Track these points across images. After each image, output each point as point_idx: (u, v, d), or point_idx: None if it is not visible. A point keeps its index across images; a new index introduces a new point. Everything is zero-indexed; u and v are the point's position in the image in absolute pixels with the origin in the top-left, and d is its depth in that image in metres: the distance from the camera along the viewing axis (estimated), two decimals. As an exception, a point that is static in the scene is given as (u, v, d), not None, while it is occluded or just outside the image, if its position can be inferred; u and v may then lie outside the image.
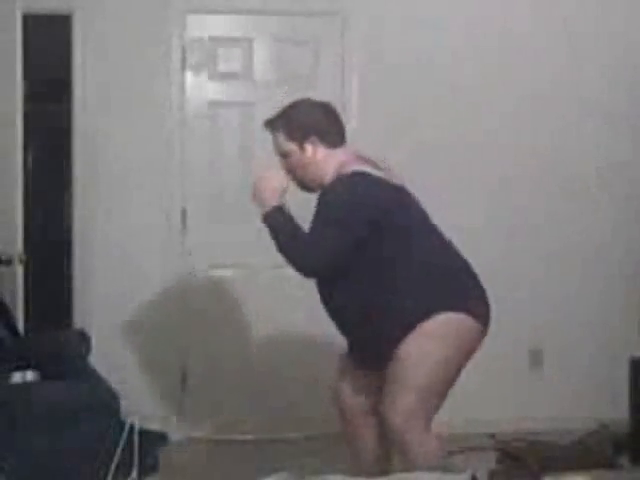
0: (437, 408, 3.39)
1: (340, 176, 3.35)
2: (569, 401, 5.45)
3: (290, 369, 5.33)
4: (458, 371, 3.42)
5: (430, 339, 3.31)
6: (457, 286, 3.39)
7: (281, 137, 3.46)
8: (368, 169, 3.38)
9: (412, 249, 3.36)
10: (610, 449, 4.75)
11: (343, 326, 3.51)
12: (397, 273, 3.34)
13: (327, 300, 3.50)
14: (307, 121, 3.44)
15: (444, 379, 3.36)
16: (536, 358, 5.52)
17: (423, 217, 3.47)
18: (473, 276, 3.47)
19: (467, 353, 3.41)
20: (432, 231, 3.46)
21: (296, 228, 3.39)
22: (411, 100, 5.40)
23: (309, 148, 3.42)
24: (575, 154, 5.51)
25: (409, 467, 3.29)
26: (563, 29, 5.49)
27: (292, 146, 3.44)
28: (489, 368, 5.32)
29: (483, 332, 3.43)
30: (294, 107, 3.50)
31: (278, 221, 3.40)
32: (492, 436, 4.95)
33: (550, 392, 5.46)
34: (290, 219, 3.41)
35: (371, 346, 3.44)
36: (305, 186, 3.53)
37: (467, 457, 4.64)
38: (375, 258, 3.34)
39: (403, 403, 3.30)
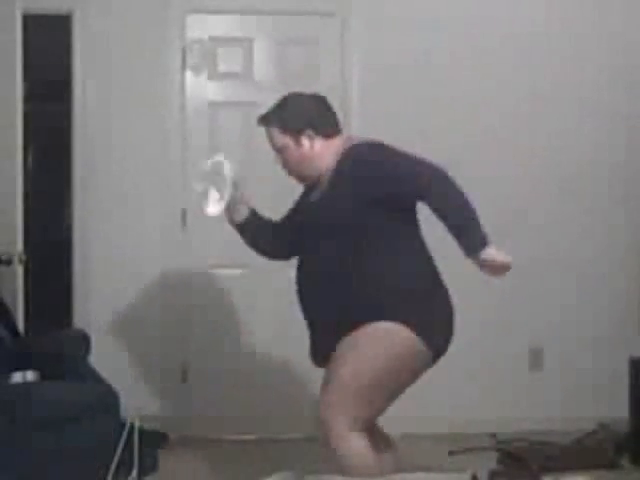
0: (368, 411, 3.31)
1: (354, 145, 3.35)
2: (569, 401, 5.45)
3: (290, 369, 5.33)
4: (395, 382, 3.32)
5: (365, 339, 3.27)
6: (418, 303, 3.32)
7: (276, 132, 3.45)
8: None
9: (401, 245, 3.33)
10: (610, 449, 4.75)
11: (311, 307, 3.49)
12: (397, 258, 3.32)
13: (307, 267, 3.45)
14: (301, 114, 3.43)
15: (372, 382, 3.26)
16: (536, 358, 5.52)
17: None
18: (439, 296, 3.42)
19: (406, 367, 3.31)
20: (416, 236, 3.45)
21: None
22: (410, 100, 5.40)
23: (305, 142, 3.42)
24: (575, 154, 5.51)
25: (341, 469, 3.26)
26: (562, 30, 5.49)
27: (287, 140, 3.43)
28: (489, 368, 5.34)
29: (428, 355, 3.32)
30: (286, 101, 3.50)
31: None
32: (492, 436, 4.95)
33: (550, 392, 5.46)
34: (263, 220, 3.63)
35: (329, 339, 3.41)
36: (303, 178, 3.53)
37: (467, 457, 4.65)
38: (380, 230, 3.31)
39: (327, 397, 3.29)
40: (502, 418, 5.24)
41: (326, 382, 3.36)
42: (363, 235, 3.30)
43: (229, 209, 3.57)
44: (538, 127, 5.50)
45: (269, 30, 5.43)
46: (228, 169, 3.54)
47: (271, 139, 3.48)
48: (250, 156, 5.35)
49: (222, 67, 5.39)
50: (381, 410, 3.36)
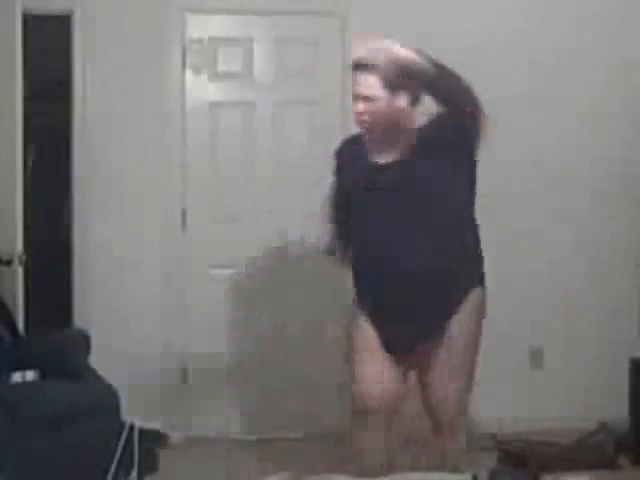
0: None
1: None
2: (569, 401, 5.45)
3: (290, 369, 5.33)
4: None
5: (473, 315, 3.45)
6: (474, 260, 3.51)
7: (374, 80, 3.32)
8: None
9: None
10: (610, 449, 4.76)
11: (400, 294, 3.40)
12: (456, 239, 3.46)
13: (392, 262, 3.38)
14: (415, 76, 3.36)
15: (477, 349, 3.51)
16: (536, 358, 5.52)
17: None
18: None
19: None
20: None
21: None
22: (411, 100, 5.40)
23: (402, 99, 3.35)
24: (576, 155, 5.51)
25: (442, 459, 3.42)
26: (562, 29, 5.49)
27: (383, 93, 3.33)
28: (489, 368, 5.32)
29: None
30: (403, 62, 3.35)
31: None
32: (492, 436, 4.95)
33: (550, 392, 5.46)
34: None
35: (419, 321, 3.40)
36: (375, 131, 3.43)
37: (467, 457, 4.64)
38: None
39: (460, 381, 3.45)
40: (502, 418, 5.24)
41: (446, 366, 3.43)
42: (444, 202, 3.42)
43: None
44: (539, 127, 5.50)
45: (269, 30, 5.43)
46: None
47: (363, 87, 3.35)
48: (250, 156, 5.36)
49: (222, 67, 5.39)
50: None
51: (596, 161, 5.53)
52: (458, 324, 3.38)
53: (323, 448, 5.00)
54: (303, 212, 5.07)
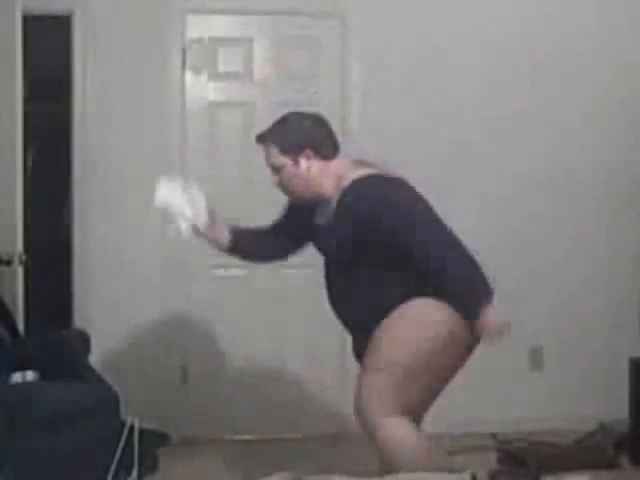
0: (417, 395, 3.28)
1: (357, 180, 3.34)
2: (569, 401, 5.45)
3: (290, 369, 5.33)
4: (443, 360, 3.30)
5: (401, 320, 3.28)
6: (447, 278, 3.28)
7: (274, 151, 3.45)
8: (373, 171, 3.38)
9: (410, 243, 3.30)
10: (610, 449, 4.76)
11: (344, 321, 3.51)
12: (386, 264, 3.32)
13: (330, 293, 3.51)
14: (300, 135, 3.43)
15: (418, 362, 3.25)
16: (536, 358, 5.52)
17: (427, 210, 3.42)
18: (474, 273, 3.37)
19: (450, 343, 3.30)
20: (434, 223, 3.39)
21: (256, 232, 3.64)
22: (411, 100, 5.40)
23: (303, 162, 3.42)
24: (577, 157, 5.51)
25: (384, 458, 3.23)
26: (563, 30, 5.49)
27: (285, 160, 3.43)
28: (489, 368, 5.33)
29: (471, 327, 3.32)
30: (286, 121, 3.49)
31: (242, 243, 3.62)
32: (492, 436, 4.95)
33: (550, 392, 5.46)
34: (246, 232, 3.67)
35: (360, 337, 3.43)
36: (298, 198, 3.53)
37: (467, 457, 4.65)
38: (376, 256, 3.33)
39: (369, 382, 3.25)
40: (502, 418, 5.24)
41: (363, 365, 3.35)
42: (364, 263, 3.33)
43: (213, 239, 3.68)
44: (540, 128, 5.50)
45: (269, 30, 5.43)
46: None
47: (268, 158, 3.48)
48: (250, 156, 5.35)
49: (222, 67, 5.39)
50: (426, 396, 3.33)
51: (597, 163, 5.53)
52: (378, 330, 3.31)
53: (323, 448, 5.00)
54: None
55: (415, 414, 3.31)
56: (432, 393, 3.36)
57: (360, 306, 3.39)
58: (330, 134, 3.49)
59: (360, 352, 3.45)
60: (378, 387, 3.24)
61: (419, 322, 3.29)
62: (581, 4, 5.51)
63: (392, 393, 3.22)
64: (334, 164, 3.44)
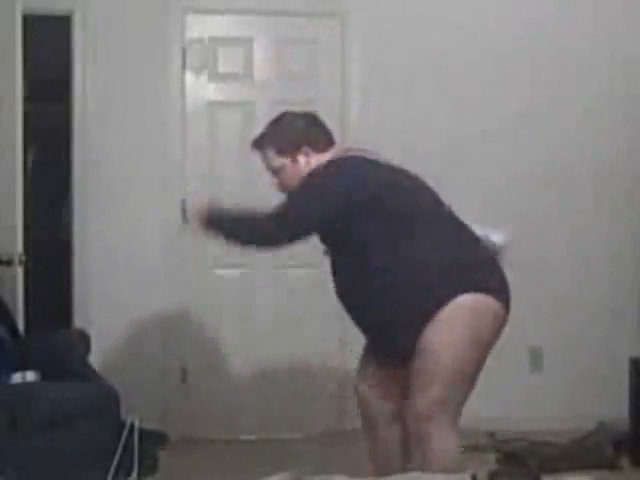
0: (468, 393, 3.34)
1: (330, 160, 3.37)
2: (569, 401, 5.45)
3: (290, 369, 5.33)
4: (485, 350, 3.34)
5: (448, 325, 3.23)
6: (466, 269, 3.30)
7: (271, 154, 3.45)
8: (361, 154, 3.39)
9: (416, 235, 3.29)
10: (610, 449, 4.76)
11: (357, 320, 3.43)
12: (402, 261, 3.27)
13: (338, 290, 3.45)
14: (295, 133, 3.44)
15: (470, 361, 3.29)
16: (536, 358, 5.52)
17: (431, 200, 3.41)
18: (487, 260, 3.43)
19: (490, 331, 3.33)
20: (441, 215, 3.39)
21: (240, 214, 3.48)
22: (411, 100, 5.40)
23: (302, 159, 3.42)
24: (576, 155, 5.51)
25: (425, 463, 3.23)
26: (563, 30, 5.50)
27: (284, 161, 3.43)
28: (489, 368, 5.32)
29: (502, 308, 3.38)
30: (279, 122, 3.50)
31: (220, 222, 3.48)
32: (492, 436, 4.95)
33: (550, 392, 5.46)
34: (228, 212, 3.50)
35: (388, 341, 3.37)
36: None
37: (467, 457, 4.64)
38: (370, 242, 3.28)
39: (432, 393, 3.22)
40: (502, 418, 5.24)
41: (418, 375, 3.27)
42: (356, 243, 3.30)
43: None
44: (540, 127, 5.50)
45: (269, 30, 5.43)
46: None
47: (267, 162, 3.48)
48: (250, 156, 5.35)
49: (222, 67, 5.39)
50: (468, 396, 3.36)
51: (597, 160, 5.53)
52: (425, 338, 3.26)
53: (323, 448, 5.00)
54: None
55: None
56: (473, 387, 3.40)
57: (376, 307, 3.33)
58: (323, 128, 3.50)
59: (387, 360, 3.43)
60: (442, 397, 3.24)
61: (463, 321, 3.26)
62: (579, 3, 5.52)
63: (454, 402, 3.27)
64: (328, 155, 3.43)
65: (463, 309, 3.26)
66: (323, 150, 3.44)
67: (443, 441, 3.25)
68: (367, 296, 3.32)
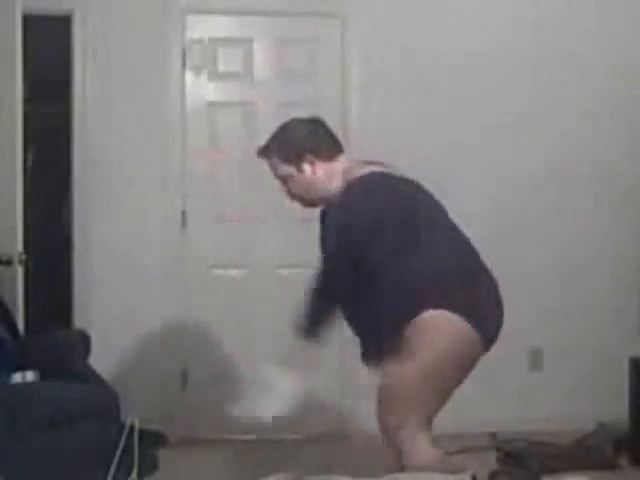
0: (437, 404, 3.32)
1: (350, 182, 3.31)
2: (569, 401, 5.45)
3: (290, 369, 5.32)
4: (455, 370, 3.32)
5: (420, 334, 3.24)
6: (454, 287, 3.29)
7: (277, 162, 3.42)
8: (379, 169, 3.35)
9: (414, 246, 3.28)
10: (610, 449, 4.76)
11: (354, 329, 3.51)
12: (390, 274, 3.28)
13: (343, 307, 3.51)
14: (299, 141, 3.39)
15: (438, 374, 3.26)
16: (536, 358, 5.52)
17: (437, 212, 3.41)
18: (482, 282, 3.43)
19: (461, 351, 3.30)
20: (442, 228, 3.38)
21: (311, 310, 3.70)
22: (411, 100, 5.40)
23: (307, 168, 3.38)
24: (576, 156, 5.51)
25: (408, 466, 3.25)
26: (564, 30, 5.50)
27: (289, 169, 3.40)
28: (489, 368, 5.32)
29: (481, 338, 3.34)
30: (283, 130, 3.45)
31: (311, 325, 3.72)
32: (492, 436, 4.95)
33: (550, 392, 5.46)
34: (305, 316, 3.73)
35: (373, 349, 3.43)
36: (309, 203, 3.50)
37: (467, 457, 4.65)
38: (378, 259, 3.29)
39: (394, 409, 3.27)
40: (502, 418, 5.24)
41: (384, 379, 3.34)
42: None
43: None
44: (541, 128, 5.51)
45: (269, 30, 5.43)
46: None
47: (274, 170, 3.45)
48: (250, 156, 5.34)
49: (222, 67, 5.39)
50: (441, 406, 3.36)
51: (597, 161, 5.53)
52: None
53: (323, 448, 5.00)
54: (303, 212, 5.06)
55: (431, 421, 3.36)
56: (448, 397, 3.38)
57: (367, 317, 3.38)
58: (329, 134, 3.45)
59: (369, 356, 3.46)
60: (411, 403, 3.26)
61: (437, 332, 3.26)
62: (580, 5, 5.51)
63: (418, 407, 3.27)
64: (339, 164, 3.40)
65: (434, 321, 3.25)
66: (330, 158, 3.39)
67: (412, 443, 3.26)
68: (362, 305, 3.38)
